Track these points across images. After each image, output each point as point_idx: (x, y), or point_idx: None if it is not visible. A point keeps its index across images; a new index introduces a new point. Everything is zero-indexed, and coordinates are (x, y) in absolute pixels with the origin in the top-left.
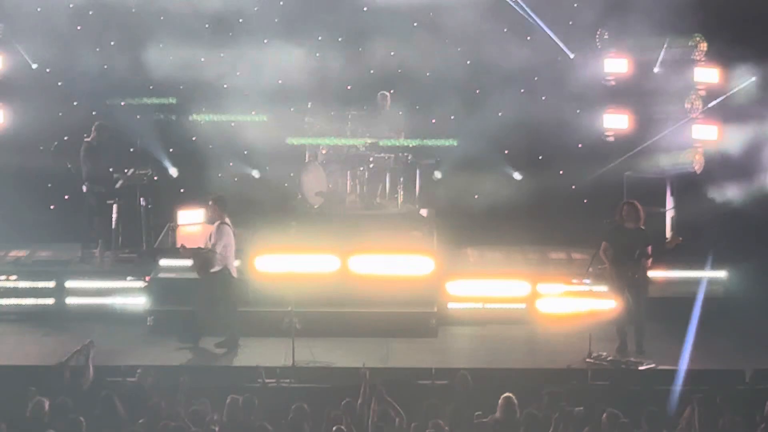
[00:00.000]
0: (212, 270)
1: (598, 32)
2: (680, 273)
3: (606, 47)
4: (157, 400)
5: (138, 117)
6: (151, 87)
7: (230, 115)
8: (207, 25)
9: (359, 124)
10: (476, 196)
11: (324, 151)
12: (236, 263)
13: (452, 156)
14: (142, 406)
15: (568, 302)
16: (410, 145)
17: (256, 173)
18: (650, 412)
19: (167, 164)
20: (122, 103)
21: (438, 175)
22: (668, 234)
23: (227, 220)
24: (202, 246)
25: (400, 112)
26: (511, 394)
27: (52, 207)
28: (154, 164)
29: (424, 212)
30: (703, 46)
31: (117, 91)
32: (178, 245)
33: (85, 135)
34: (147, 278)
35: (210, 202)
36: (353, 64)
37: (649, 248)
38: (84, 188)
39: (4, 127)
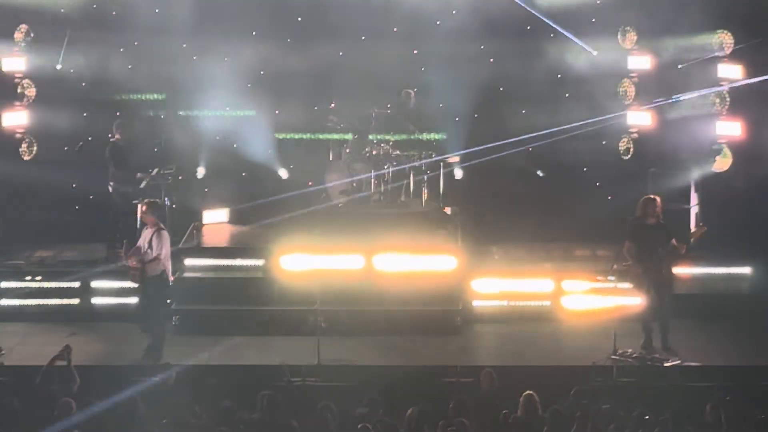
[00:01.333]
0: (151, 274)
1: (621, 29)
2: (705, 269)
3: (629, 44)
4: (182, 399)
5: (162, 116)
6: (176, 86)
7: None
8: (231, 24)
9: (383, 122)
10: (500, 194)
11: (348, 150)
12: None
13: (476, 154)
14: (166, 406)
15: (592, 299)
16: (434, 143)
17: (283, 173)
18: (675, 409)
19: (193, 163)
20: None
21: (459, 173)
22: (692, 228)
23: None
24: (140, 250)
25: (424, 110)
26: (532, 392)
27: (77, 207)
28: (179, 163)
29: (448, 210)
30: (728, 41)
31: (140, 91)
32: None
33: (109, 135)
34: (172, 278)
35: (144, 208)
36: (377, 63)
37: (674, 240)
38: (109, 188)
39: (29, 128)
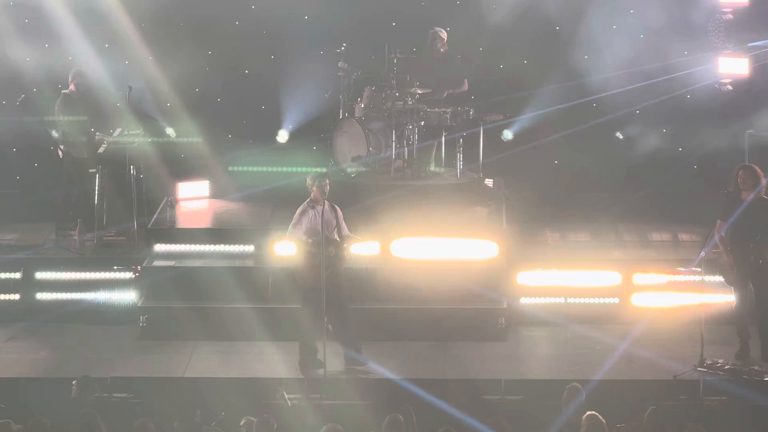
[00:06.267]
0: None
1: None
2: None
3: None
4: (146, 419)
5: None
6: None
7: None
8: None
9: (407, 69)
10: (556, 162)
11: (363, 105)
12: None
13: (526, 110)
14: (128, 426)
15: (673, 296)
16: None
17: (282, 135)
18: None
19: (162, 122)
20: (106, 45)
21: (509, 135)
22: None
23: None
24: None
25: (459, 56)
26: (596, 413)
27: (17, 177)
28: (147, 122)
29: (489, 182)
30: None
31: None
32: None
33: (60, 86)
34: (138, 268)
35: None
36: None
37: None
38: (59, 153)
39: None
